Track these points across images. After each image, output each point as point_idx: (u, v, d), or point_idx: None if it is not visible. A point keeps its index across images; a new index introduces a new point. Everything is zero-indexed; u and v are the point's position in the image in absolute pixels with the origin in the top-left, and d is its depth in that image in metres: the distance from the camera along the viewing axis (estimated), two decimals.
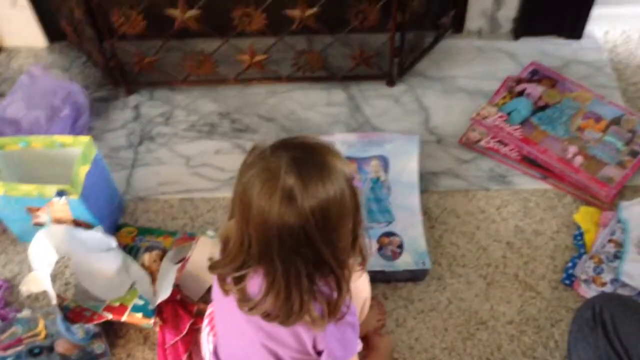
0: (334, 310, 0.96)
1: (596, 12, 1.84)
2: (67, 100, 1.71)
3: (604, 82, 1.80)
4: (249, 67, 1.76)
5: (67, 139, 1.40)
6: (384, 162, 1.57)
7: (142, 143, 1.72)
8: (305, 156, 0.89)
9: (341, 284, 0.95)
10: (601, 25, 1.91)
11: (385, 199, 1.51)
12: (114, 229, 1.52)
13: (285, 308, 0.94)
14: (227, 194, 1.60)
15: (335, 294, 0.95)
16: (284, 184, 0.86)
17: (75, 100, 1.71)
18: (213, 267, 1.02)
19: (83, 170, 1.35)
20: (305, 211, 0.86)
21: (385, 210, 1.49)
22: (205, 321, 1.26)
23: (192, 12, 1.63)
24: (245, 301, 0.98)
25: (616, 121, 1.65)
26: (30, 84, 1.74)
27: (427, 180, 1.61)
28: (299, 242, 0.89)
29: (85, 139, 1.38)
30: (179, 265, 1.38)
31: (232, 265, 0.97)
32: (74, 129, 1.69)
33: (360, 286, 1.12)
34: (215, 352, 1.19)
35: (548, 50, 1.88)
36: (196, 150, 1.70)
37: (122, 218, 1.57)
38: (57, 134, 1.58)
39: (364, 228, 0.99)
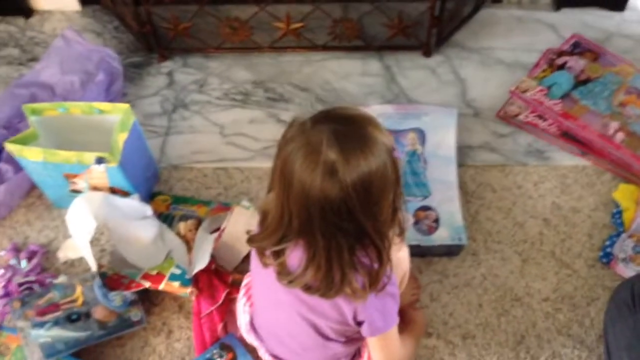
0: (375, 281, 0.96)
1: None
2: (100, 66, 1.70)
3: None
4: (285, 35, 1.74)
5: (106, 105, 1.39)
6: (421, 134, 1.55)
7: (176, 110, 1.71)
8: (346, 128, 0.87)
9: (382, 255, 0.94)
10: None
11: (422, 173, 1.49)
12: (149, 197, 1.53)
13: (326, 281, 0.94)
14: (261, 164, 1.60)
15: (376, 265, 0.95)
16: (326, 158, 0.85)
17: (109, 66, 1.70)
18: (251, 240, 1.02)
19: (122, 138, 1.35)
20: (347, 185, 0.85)
21: (421, 184, 1.48)
22: (242, 291, 1.26)
23: None
24: (285, 274, 0.98)
25: None
26: (64, 48, 1.73)
27: (463, 154, 1.59)
28: (340, 216, 0.88)
29: (123, 106, 1.38)
30: (215, 235, 1.39)
31: (271, 239, 0.97)
32: (108, 95, 1.69)
33: (401, 258, 1.12)
34: (252, 323, 1.20)
35: (590, 22, 1.83)
36: (230, 119, 1.69)
37: (156, 186, 1.57)
38: (91, 100, 1.58)
39: (404, 200, 0.98)
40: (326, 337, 1.08)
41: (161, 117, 1.70)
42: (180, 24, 1.72)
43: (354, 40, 1.76)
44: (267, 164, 1.58)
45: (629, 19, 1.83)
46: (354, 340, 1.11)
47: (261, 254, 1.02)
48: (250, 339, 1.22)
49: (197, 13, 1.70)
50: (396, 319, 1.04)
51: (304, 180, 0.87)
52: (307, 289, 0.98)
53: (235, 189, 1.56)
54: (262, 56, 1.81)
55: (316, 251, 0.93)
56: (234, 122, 1.69)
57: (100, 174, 1.36)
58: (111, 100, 1.69)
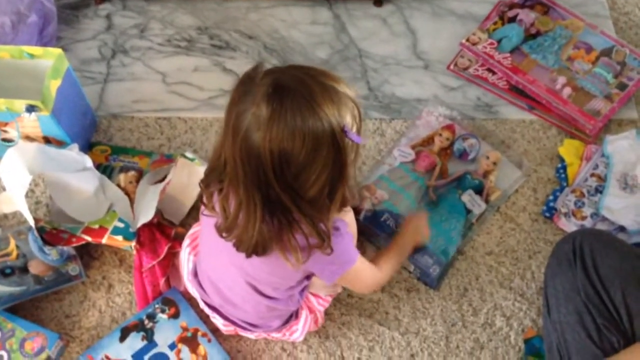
0: (319, 246, 0.94)
1: None
2: (33, 6, 1.58)
3: (596, 10, 1.75)
4: None
5: (37, 50, 1.31)
6: None
7: (115, 56, 1.63)
8: (293, 89, 0.83)
9: (318, 233, 0.92)
10: None
11: None
12: (87, 147, 1.46)
13: (252, 237, 0.92)
14: (205, 114, 1.55)
15: (312, 240, 0.93)
16: (256, 110, 0.82)
17: (42, 6, 1.59)
18: (202, 181, 0.99)
19: (54, 85, 1.27)
20: (264, 147, 0.83)
21: None
22: (187, 241, 1.24)
23: None
24: (223, 224, 0.96)
25: (607, 52, 1.61)
26: None
27: (412, 107, 1.58)
28: (257, 176, 0.86)
29: (56, 51, 1.29)
30: (160, 187, 1.34)
31: (210, 177, 0.96)
32: (41, 38, 1.58)
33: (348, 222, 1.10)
34: (194, 272, 1.18)
35: None
36: (173, 67, 1.62)
37: (95, 136, 1.50)
38: (22, 44, 1.49)
39: (351, 185, 0.93)
40: (263, 294, 1.06)
41: (99, 63, 1.61)
42: None
43: None
44: (211, 114, 1.56)
45: None
46: (292, 297, 1.10)
47: (208, 197, 0.99)
48: (191, 288, 1.20)
49: None
50: (353, 256, 1.03)
51: (235, 126, 0.85)
52: (238, 244, 0.95)
53: (179, 139, 1.51)
54: (206, 1, 1.72)
55: (242, 203, 0.90)
56: (177, 69, 1.62)
57: (32, 122, 1.28)
58: (44, 44, 1.58)
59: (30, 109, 1.24)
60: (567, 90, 1.54)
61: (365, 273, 1.09)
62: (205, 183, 0.98)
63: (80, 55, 1.62)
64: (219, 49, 1.66)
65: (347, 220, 1.03)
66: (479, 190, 1.43)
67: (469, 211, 1.40)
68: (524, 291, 1.34)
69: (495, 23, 1.65)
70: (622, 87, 1.56)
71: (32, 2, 1.59)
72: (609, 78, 1.57)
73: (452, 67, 1.64)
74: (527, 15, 1.66)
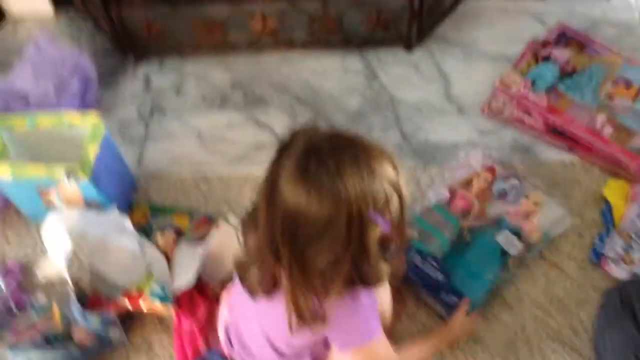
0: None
1: None
2: (75, 72, 1.65)
3: (635, 43, 1.71)
4: (261, 35, 1.69)
5: (76, 117, 1.35)
6: None
7: (153, 116, 1.67)
8: (325, 153, 0.81)
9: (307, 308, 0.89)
10: None
11: None
12: (127, 208, 1.49)
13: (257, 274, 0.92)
14: (240, 170, 1.56)
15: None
16: (286, 166, 0.82)
17: (84, 72, 1.66)
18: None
19: (92, 151, 1.31)
20: (282, 202, 0.82)
21: None
22: (224, 299, 1.24)
23: None
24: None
25: None
26: (38, 54, 1.67)
27: (447, 152, 1.55)
28: (271, 228, 0.85)
29: (93, 117, 1.33)
30: (199, 251, 1.34)
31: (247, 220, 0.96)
32: (84, 102, 1.64)
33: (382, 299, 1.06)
34: (226, 331, 1.17)
35: (576, 10, 1.78)
36: (208, 123, 1.65)
37: (134, 196, 1.53)
38: (66, 107, 1.55)
39: (375, 263, 0.89)
40: (277, 351, 1.05)
41: (138, 124, 1.66)
42: (153, 25, 1.67)
43: (333, 37, 1.71)
44: (246, 170, 1.57)
45: (616, 6, 1.79)
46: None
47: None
48: (226, 348, 1.19)
49: (170, 13, 1.64)
50: (375, 331, 0.99)
51: (267, 178, 0.85)
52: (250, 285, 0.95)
53: (215, 196, 1.52)
54: (239, 56, 1.76)
55: (259, 245, 0.90)
56: (212, 126, 1.65)
57: (72, 188, 1.32)
58: (86, 108, 1.64)
59: (70, 175, 1.28)
60: (608, 129, 1.50)
61: (380, 354, 1.02)
62: (242, 227, 0.98)
63: (120, 117, 1.67)
64: (252, 103, 1.68)
65: (378, 296, 0.98)
66: (515, 233, 1.38)
67: (504, 253, 1.36)
68: (574, 343, 1.28)
69: (529, 63, 1.63)
70: None
71: (74, 68, 1.66)
72: None
73: (486, 110, 1.62)
74: (561, 53, 1.63)
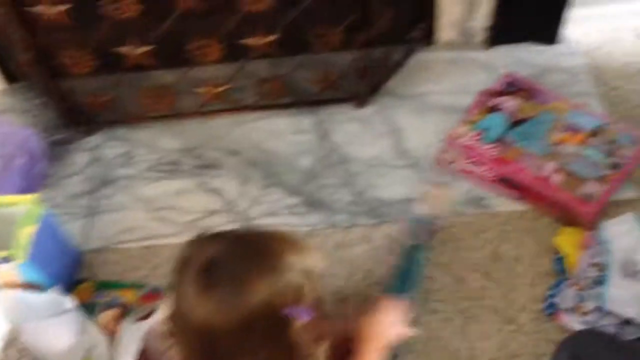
0: None
1: (573, 13, 1.74)
2: (22, 147, 1.63)
3: (582, 89, 1.71)
4: (210, 99, 1.69)
5: (11, 198, 1.33)
6: None
7: (101, 188, 1.65)
8: (225, 264, 0.79)
9: None
10: (578, 28, 1.80)
11: None
12: (71, 287, 1.45)
13: None
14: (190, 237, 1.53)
15: None
16: (187, 286, 0.80)
17: (31, 147, 1.65)
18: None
19: (28, 232, 1.28)
20: (189, 329, 0.80)
21: None
22: None
23: (145, 48, 1.55)
24: None
25: (596, 132, 1.55)
26: None
27: (400, 208, 1.53)
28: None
29: (29, 197, 1.32)
30: (146, 329, 1.30)
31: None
32: (29, 179, 1.62)
33: None
34: None
35: (524, 58, 1.79)
36: (157, 192, 1.63)
37: (80, 272, 1.50)
38: (12, 185, 1.53)
39: None
40: None
41: (85, 197, 1.63)
42: (100, 96, 1.67)
43: (283, 98, 1.71)
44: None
45: (563, 52, 1.79)
46: None
47: None
48: None
49: (116, 84, 1.64)
50: None
51: (173, 300, 0.83)
52: None
53: (163, 268, 1.49)
54: (190, 122, 1.75)
55: None
56: (161, 194, 1.62)
57: (9, 271, 1.29)
58: (33, 184, 1.62)
59: (5, 259, 1.25)
60: (557, 177, 1.48)
61: None
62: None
63: (68, 191, 1.64)
64: (203, 168, 1.67)
65: None
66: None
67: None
68: None
69: (478, 113, 1.62)
70: (615, 166, 1.49)
71: (21, 144, 1.64)
72: (599, 159, 1.50)
73: (437, 163, 1.61)
74: (509, 103, 1.62)
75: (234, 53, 1.57)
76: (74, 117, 1.73)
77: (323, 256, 0.86)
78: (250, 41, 1.53)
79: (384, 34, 1.63)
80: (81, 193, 1.64)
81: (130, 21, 1.45)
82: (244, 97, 1.73)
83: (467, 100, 1.68)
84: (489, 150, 1.55)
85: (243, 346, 0.80)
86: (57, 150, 1.73)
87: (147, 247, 1.53)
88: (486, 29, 1.78)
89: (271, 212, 1.57)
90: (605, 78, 1.73)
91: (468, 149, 1.55)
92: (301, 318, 0.81)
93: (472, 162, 1.56)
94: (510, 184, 1.52)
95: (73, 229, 1.52)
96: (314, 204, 1.57)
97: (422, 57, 1.82)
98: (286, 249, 0.83)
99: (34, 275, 1.31)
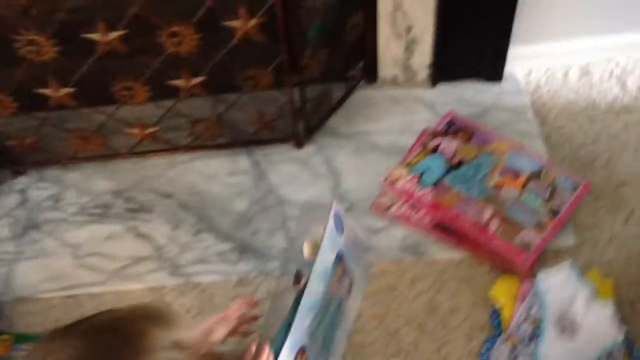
0: None
1: (516, 51, 1.70)
2: None
3: (525, 128, 1.67)
4: (143, 139, 1.63)
5: None
6: None
7: (27, 233, 1.58)
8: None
9: None
10: (523, 65, 1.77)
11: None
12: None
13: None
14: (114, 287, 1.47)
15: None
16: None
17: None
18: None
19: None
20: None
21: None
22: None
23: (67, 90, 1.49)
24: None
25: (536, 175, 1.51)
26: None
27: None
28: None
29: None
30: None
31: None
32: None
33: None
34: None
35: (467, 96, 1.75)
36: (85, 237, 1.56)
37: (1, 323, 1.43)
38: None
39: None
40: None
41: (9, 242, 1.56)
42: (26, 137, 1.60)
43: (217, 138, 1.66)
44: (121, 287, 1.48)
45: (507, 90, 1.75)
46: None
47: None
48: None
49: (40, 126, 1.58)
50: None
51: None
52: None
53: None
54: (123, 162, 1.69)
55: None
56: (89, 240, 1.56)
57: None
58: None
59: None
60: (495, 223, 1.44)
61: None
62: None
63: None
64: (134, 212, 1.60)
65: None
66: None
67: None
68: None
69: (417, 155, 1.58)
70: (553, 213, 1.45)
71: None
72: (538, 205, 1.46)
73: (374, 207, 1.56)
74: (448, 144, 1.58)
75: (162, 93, 1.51)
76: (1, 157, 1.66)
77: (189, 322, 0.80)
78: (178, 82, 1.47)
79: (322, 73, 1.60)
80: (5, 238, 1.57)
81: (49, 62, 1.39)
82: (178, 138, 1.67)
83: (409, 140, 1.64)
84: (425, 194, 1.50)
85: None
86: None
87: (70, 297, 1.46)
88: (428, 66, 1.74)
89: (201, 259, 1.51)
90: (549, 117, 1.69)
91: (405, 193, 1.51)
92: None
93: (409, 207, 1.51)
94: (447, 231, 1.48)
95: None
96: (246, 250, 1.51)
97: (364, 95, 1.78)
98: (150, 326, 0.77)
99: None
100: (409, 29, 1.63)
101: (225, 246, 1.52)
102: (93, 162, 1.68)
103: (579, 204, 1.48)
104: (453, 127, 1.63)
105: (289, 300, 1.15)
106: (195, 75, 1.45)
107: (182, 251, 1.52)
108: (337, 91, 1.73)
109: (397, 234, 1.51)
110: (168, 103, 1.55)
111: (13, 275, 1.51)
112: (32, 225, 1.59)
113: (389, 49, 1.69)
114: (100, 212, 1.61)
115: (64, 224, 1.59)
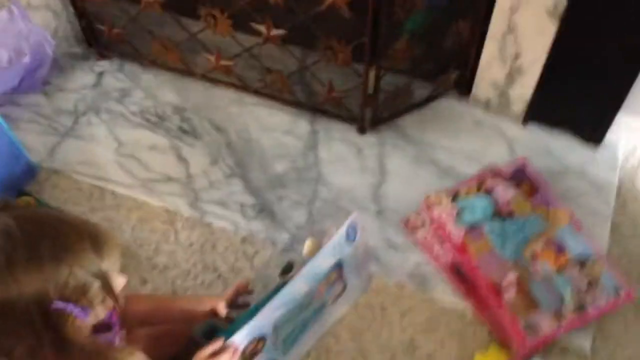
0: None
1: (625, 120, 1.52)
2: (34, 48, 1.67)
3: (598, 207, 1.50)
4: (217, 68, 1.64)
5: None
6: None
7: (86, 114, 1.66)
8: (17, 234, 0.76)
9: None
10: (628, 138, 1.58)
11: None
12: (14, 193, 1.49)
13: None
14: (138, 195, 1.52)
15: None
16: None
17: (42, 50, 1.68)
18: None
19: None
20: None
21: None
22: None
23: None
24: None
25: (581, 261, 1.37)
26: (7, 21, 1.71)
27: None
28: None
29: None
30: None
31: None
32: (31, 79, 1.67)
33: None
34: None
35: (554, 148, 1.59)
36: (133, 139, 1.62)
37: (29, 185, 1.53)
38: (12, 79, 1.58)
39: None
40: None
41: (69, 117, 1.65)
42: (114, 28, 1.65)
43: (285, 95, 1.63)
44: (143, 197, 1.53)
45: (599, 159, 1.57)
46: None
47: None
48: None
49: (130, 22, 1.62)
50: None
51: None
52: None
53: (101, 213, 1.49)
54: (195, 83, 1.72)
55: None
56: (135, 142, 1.61)
57: None
58: (31, 84, 1.67)
59: None
60: (512, 292, 1.33)
61: None
62: None
63: (57, 104, 1.67)
64: (184, 133, 1.64)
65: None
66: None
67: None
68: None
69: (469, 188, 1.47)
70: (580, 308, 1.31)
71: (35, 44, 1.68)
72: (567, 292, 1.32)
73: (404, 222, 1.49)
74: (506, 191, 1.46)
75: (244, 32, 1.49)
76: (90, 38, 1.73)
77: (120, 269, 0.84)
78: (259, 27, 1.44)
79: (408, 67, 1.51)
80: (67, 111, 1.66)
81: None
82: (250, 80, 1.66)
83: (471, 169, 1.54)
84: (457, 232, 1.40)
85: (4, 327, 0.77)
86: (68, 62, 1.76)
87: (97, 187, 1.54)
88: (526, 101, 1.59)
89: (222, 202, 1.52)
90: (631, 206, 1.51)
91: (437, 221, 1.42)
92: (77, 316, 0.79)
93: (436, 236, 1.43)
94: (461, 277, 1.38)
95: (43, 143, 1.55)
96: (265, 211, 1.50)
97: (448, 105, 1.67)
98: (87, 245, 0.79)
99: None
100: (516, 56, 1.49)
101: (248, 199, 1.52)
102: (169, 72, 1.72)
103: (614, 310, 1.34)
104: (520, 176, 1.49)
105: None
106: (277, 26, 1.42)
107: (209, 187, 1.54)
108: (421, 91, 1.63)
109: (412, 258, 1.44)
110: (248, 43, 1.54)
111: (59, 147, 1.60)
112: (93, 109, 1.67)
113: (490, 69, 1.56)
114: (156, 121, 1.66)
115: (121, 119, 1.66)
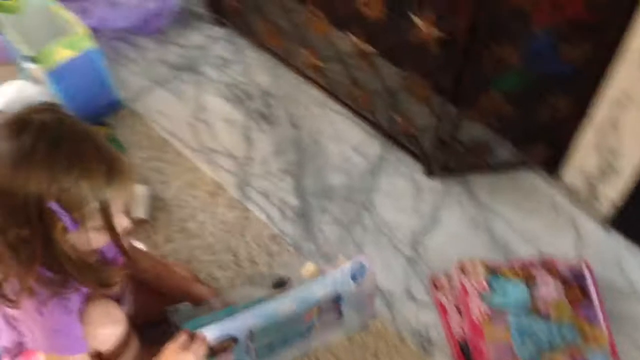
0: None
1: None
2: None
3: None
4: (310, 66, 1.64)
5: (73, 19, 1.46)
6: None
7: (183, 70, 1.74)
8: (51, 129, 0.82)
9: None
10: None
11: None
12: (95, 121, 1.59)
13: None
14: (195, 159, 1.57)
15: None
16: None
17: (167, 1, 1.77)
18: None
19: (65, 54, 1.42)
20: None
21: None
22: None
23: None
24: None
25: None
26: None
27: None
28: None
29: (83, 28, 1.43)
30: None
31: None
32: (149, 22, 1.77)
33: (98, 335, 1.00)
34: None
35: (627, 264, 1.41)
36: (213, 107, 1.67)
37: (110, 118, 1.62)
38: (132, 18, 1.70)
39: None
40: None
41: (168, 68, 1.74)
42: (239, 3, 1.71)
43: (364, 112, 1.60)
44: (198, 163, 1.57)
45: None
46: None
47: None
48: None
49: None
50: (68, 345, 0.95)
51: None
52: None
53: (157, 163, 1.55)
54: (290, 73, 1.73)
55: None
56: (213, 111, 1.67)
57: (35, 71, 1.45)
58: (147, 28, 1.77)
59: (32, 59, 1.40)
60: None
61: None
62: None
63: (163, 53, 1.77)
64: (261, 116, 1.66)
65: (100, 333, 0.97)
66: None
67: None
68: None
69: (511, 270, 1.35)
70: None
71: None
72: None
73: (431, 277, 1.40)
74: (550, 290, 1.32)
75: (341, 38, 1.48)
76: (216, 2, 1.80)
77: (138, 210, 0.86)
78: (353, 37, 1.42)
79: (491, 125, 1.42)
80: (168, 63, 1.75)
81: None
82: (338, 86, 1.64)
83: (526, 251, 1.42)
84: (479, 309, 1.30)
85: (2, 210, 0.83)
86: (189, 18, 1.84)
87: (163, 140, 1.60)
88: (614, 204, 1.43)
89: (267, 194, 1.52)
90: None
91: (463, 291, 1.32)
92: (65, 223, 0.83)
93: (456, 305, 1.33)
94: (465, 356, 1.28)
95: (136, 84, 1.65)
96: (304, 218, 1.48)
97: (530, 178, 1.54)
98: (102, 168, 0.83)
99: (55, 89, 1.46)
100: (613, 153, 1.34)
101: (293, 200, 1.51)
102: (271, 56, 1.75)
103: None
104: (574, 280, 1.34)
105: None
106: (369, 42, 1.39)
107: (260, 176, 1.55)
108: (502, 152, 1.52)
109: (424, 317, 1.35)
110: (343, 49, 1.52)
111: (148, 93, 1.69)
112: (191, 68, 1.74)
113: (582, 157, 1.42)
114: (240, 97, 1.69)
115: (211, 85, 1.71)
